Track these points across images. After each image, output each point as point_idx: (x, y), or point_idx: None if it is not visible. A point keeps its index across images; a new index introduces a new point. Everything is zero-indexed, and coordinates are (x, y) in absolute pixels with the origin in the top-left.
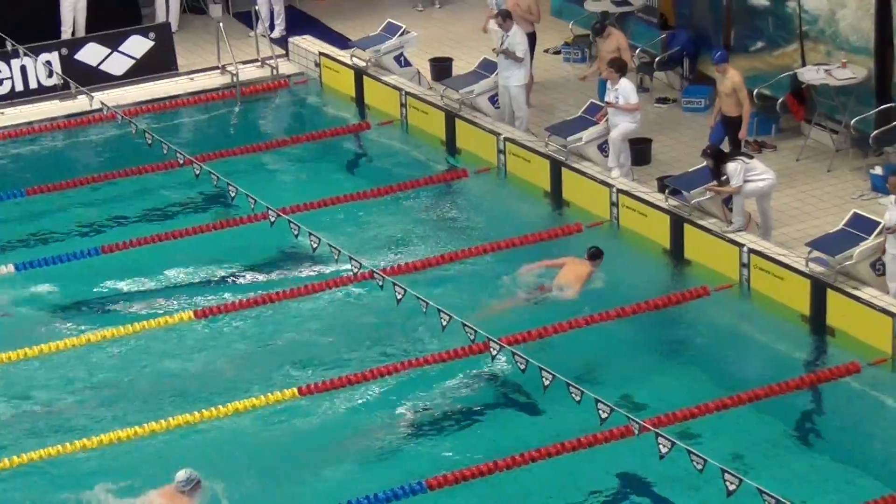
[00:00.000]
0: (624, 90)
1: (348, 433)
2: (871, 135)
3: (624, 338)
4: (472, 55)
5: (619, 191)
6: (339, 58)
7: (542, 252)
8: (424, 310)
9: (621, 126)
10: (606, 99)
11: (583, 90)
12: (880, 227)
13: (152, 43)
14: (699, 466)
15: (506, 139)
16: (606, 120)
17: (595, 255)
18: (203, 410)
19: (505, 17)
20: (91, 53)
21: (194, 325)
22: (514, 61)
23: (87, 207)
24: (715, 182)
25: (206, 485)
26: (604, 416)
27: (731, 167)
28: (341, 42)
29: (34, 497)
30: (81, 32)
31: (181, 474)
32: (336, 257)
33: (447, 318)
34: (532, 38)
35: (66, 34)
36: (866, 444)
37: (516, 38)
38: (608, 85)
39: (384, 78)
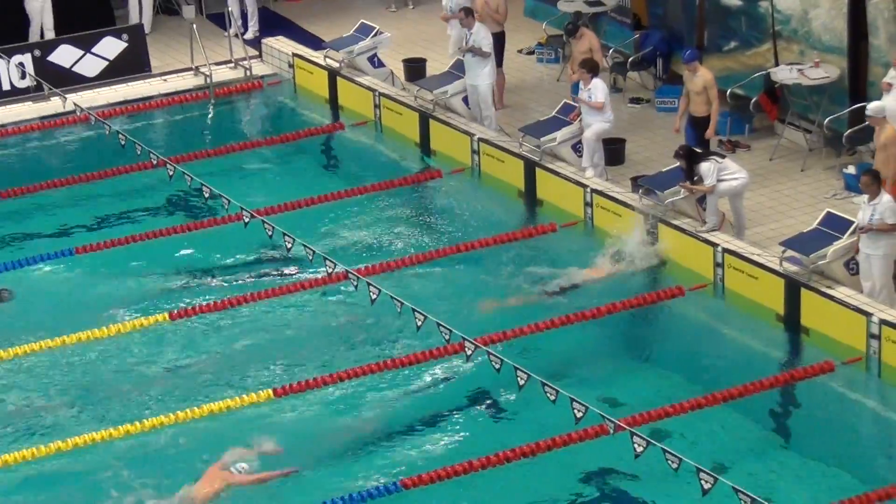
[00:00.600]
0: (595, 90)
1: (323, 434)
2: (845, 134)
3: (599, 337)
4: (445, 56)
5: (594, 191)
6: (312, 59)
7: (517, 252)
8: (399, 310)
9: (595, 126)
10: (580, 96)
11: (556, 90)
12: (854, 226)
13: (125, 44)
14: (674, 465)
15: (479, 139)
16: (580, 120)
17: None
18: (178, 412)
19: (467, 14)
20: (64, 55)
21: (169, 327)
22: (480, 58)
23: (60, 209)
24: (688, 181)
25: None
26: (579, 415)
27: (705, 167)
28: (314, 43)
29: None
30: (49, 34)
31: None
32: (310, 258)
33: (422, 318)
34: (500, 38)
35: (34, 36)
36: (841, 443)
37: (480, 34)
38: (581, 85)
39: (358, 79)
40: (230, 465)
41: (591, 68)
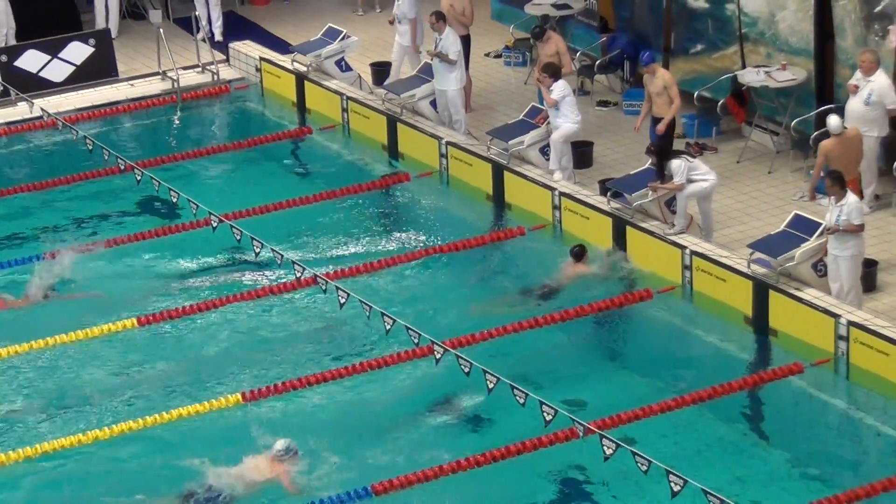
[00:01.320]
0: (558, 91)
1: (292, 438)
2: (812, 136)
3: (568, 340)
4: (413, 60)
5: (562, 194)
6: (279, 63)
7: (486, 256)
8: (368, 314)
9: (563, 128)
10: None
11: (524, 93)
12: (821, 227)
13: (92, 49)
14: (644, 468)
15: (447, 143)
16: (548, 123)
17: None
18: (146, 417)
19: (438, 19)
20: (31, 60)
21: (137, 333)
22: (447, 64)
23: (28, 214)
24: (658, 180)
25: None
26: (548, 418)
27: (675, 164)
28: (282, 47)
29: None
30: (11, 34)
31: (280, 444)
32: (279, 262)
33: (391, 321)
34: (466, 42)
35: None
36: (810, 444)
37: (449, 40)
38: (542, 90)
39: (325, 83)
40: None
41: (553, 72)
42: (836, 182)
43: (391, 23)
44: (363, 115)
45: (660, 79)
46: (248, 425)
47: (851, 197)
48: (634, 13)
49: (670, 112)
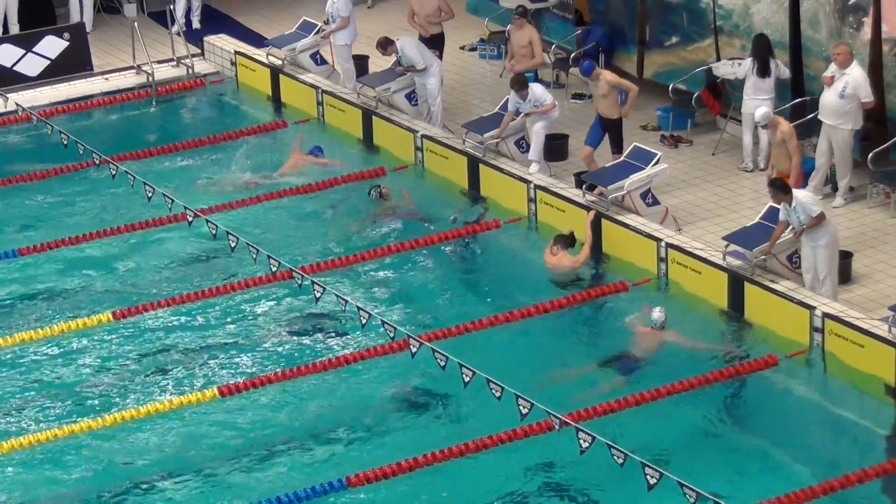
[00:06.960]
0: (539, 97)
1: (269, 432)
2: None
3: (543, 333)
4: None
5: (537, 186)
6: (255, 56)
7: (461, 249)
8: (343, 308)
9: (549, 117)
10: (524, 110)
11: (499, 86)
12: (779, 226)
13: (67, 43)
14: (620, 461)
15: (423, 136)
16: (524, 115)
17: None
18: (123, 411)
19: (385, 46)
20: (5, 54)
21: (113, 327)
22: (422, 69)
23: (2, 209)
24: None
25: None
26: (524, 411)
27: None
28: (257, 40)
29: None
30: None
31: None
32: (254, 256)
33: (366, 315)
34: (440, 39)
35: None
36: (785, 436)
37: (407, 55)
38: (519, 100)
39: (300, 76)
40: None
41: (521, 85)
42: (779, 190)
43: (325, 23)
44: (338, 109)
45: (603, 81)
46: (222, 419)
47: (799, 194)
48: (609, 6)
49: (627, 105)
